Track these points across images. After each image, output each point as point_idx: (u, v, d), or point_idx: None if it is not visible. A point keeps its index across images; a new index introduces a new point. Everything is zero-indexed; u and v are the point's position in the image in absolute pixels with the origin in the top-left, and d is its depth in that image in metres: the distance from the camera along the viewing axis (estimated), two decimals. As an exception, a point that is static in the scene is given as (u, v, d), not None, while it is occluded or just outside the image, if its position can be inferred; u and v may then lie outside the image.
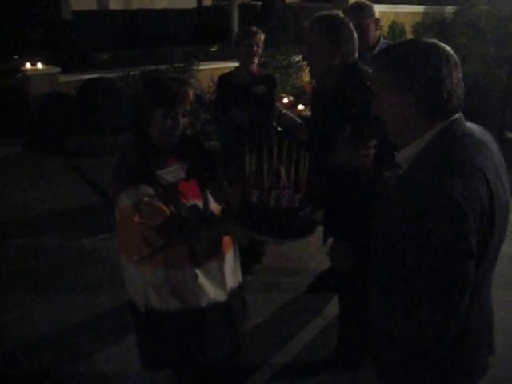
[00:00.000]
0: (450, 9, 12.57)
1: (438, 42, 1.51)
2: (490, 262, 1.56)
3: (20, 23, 9.87)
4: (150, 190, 1.99)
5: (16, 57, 8.80)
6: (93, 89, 7.26)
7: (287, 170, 1.93)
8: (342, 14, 2.45)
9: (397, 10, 11.55)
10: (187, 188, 2.10)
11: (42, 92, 7.31)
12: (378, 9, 10.95)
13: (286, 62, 9.28)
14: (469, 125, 1.54)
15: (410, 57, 1.48)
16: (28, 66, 7.48)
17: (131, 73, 7.96)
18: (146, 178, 2.00)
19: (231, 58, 8.02)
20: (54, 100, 7.25)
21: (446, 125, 1.49)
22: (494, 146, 1.57)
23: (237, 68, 4.00)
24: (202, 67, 8.49)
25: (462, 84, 1.50)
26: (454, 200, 1.38)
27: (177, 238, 2.01)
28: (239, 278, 2.39)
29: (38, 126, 7.18)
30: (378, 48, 3.33)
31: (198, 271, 2.13)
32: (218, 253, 2.19)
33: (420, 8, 12.15)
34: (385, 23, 11.21)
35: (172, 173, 2.09)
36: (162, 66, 7.95)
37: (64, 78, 7.62)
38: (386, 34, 11.29)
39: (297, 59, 9.10)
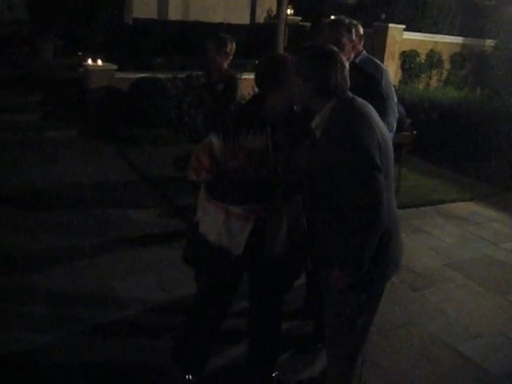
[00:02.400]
0: (489, 42, 12.98)
1: (332, 48, 2.29)
2: (389, 181, 2.27)
3: (87, 25, 10.91)
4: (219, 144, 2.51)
5: (80, 54, 9.77)
6: (144, 86, 8.16)
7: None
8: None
9: (435, 40, 12.03)
10: (248, 153, 2.52)
11: (99, 85, 8.23)
12: (417, 37, 11.63)
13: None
14: (356, 98, 2.29)
15: (311, 60, 2.26)
16: (89, 62, 8.42)
17: (179, 75, 8.81)
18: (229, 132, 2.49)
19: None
20: (109, 93, 8.17)
21: (337, 100, 2.26)
22: (372, 109, 2.33)
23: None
24: (244, 76, 9.25)
25: (347, 78, 2.27)
26: (356, 134, 2.14)
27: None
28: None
29: (93, 115, 8.11)
30: (357, 59, 3.59)
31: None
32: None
33: (459, 39, 12.56)
34: (422, 51, 11.79)
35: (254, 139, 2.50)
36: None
37: (119, 75, 8.53)
38: (423, 61, 11.88)
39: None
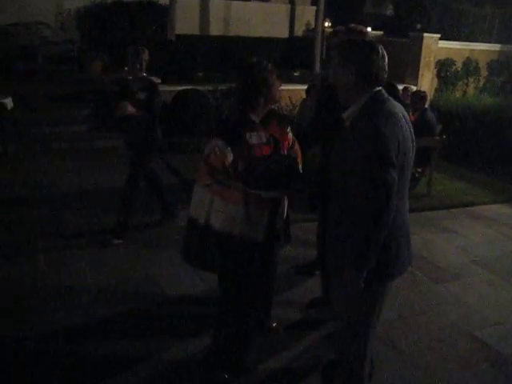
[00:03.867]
0: (527, 49, 12.97)
1: (373, 41, 2.53)
2: (404, 184, 2.47)
3: (133, 41, 11.53)
4: (224, 145, 2.77)
5: (126, 68, 10.33)
6: (185, 97, 8.65)
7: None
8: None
9: (471, 48, 12.13)
10: (260, 150, 2.86)
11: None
12: (453, 45, 11.76)
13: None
14: (390, 98, 2.51)
15: (352, 48, 2.48)
16: (135, 76, 8.95)
17: (219, 88, 9.27)
18: (234, 136, 2.78)
19: (310, 81, 9.12)
20: (153, 105, 8.67)
21: (373, 93, 2.46)
22: (403, 111, 2.53)
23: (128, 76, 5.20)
24: (282, 87, 9.63)
25: (386, 69, 2.47)
26: (379, 130, 2.32)
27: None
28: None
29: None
30: None
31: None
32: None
33: (495, 46, 12.61)
34: (458, 59, 11.91)
35: (257, 137, 2.86)
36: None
37: (163, 88, 8.99)
38: (459, 69, 11.99)
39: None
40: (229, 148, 2.77)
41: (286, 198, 3.10)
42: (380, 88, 2.48)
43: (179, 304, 3.98)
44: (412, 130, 2.54)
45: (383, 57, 2.47)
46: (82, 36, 12.32)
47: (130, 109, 4.78)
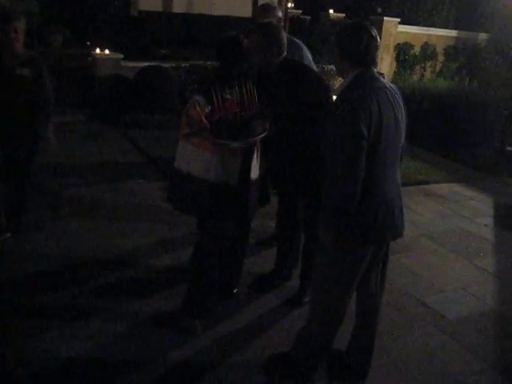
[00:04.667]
0: (483, 35, 13.39)
1: (364, 22, 2.70)
2: (385, 157, 2.62)
3: (95, 17, 11.41)
4: (202, 99, 3.08)
5: (88, 43, 10.26)
6: (148, 74, 8.65)
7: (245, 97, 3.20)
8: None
9: (429, 33, 12.47)
10: (230, 103, 3.19)
11: (106, 73, 8.75)
12: (412, 30, 12.06)
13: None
14: (378, 77, 2.69)
15: (345, 30, 2.68)
16: (97, 51, 8.92)
17: (182, 65, 9.31)
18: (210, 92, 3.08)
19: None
20: (116, 81, 8.69)
21: (360, 71, 2.64)
22: (397, 92, 2.72)
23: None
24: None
25: (377, 47, 2.65)
26: (351, 102, 2.52)
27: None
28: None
29: (100, 101, 8.61)
30: None
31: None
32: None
33: (453, 32, 12.99)
34: (417, 44, 12.23)
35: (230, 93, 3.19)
36: (209, 62, 9.25)
37: (125, 64, 9.04)
38: (417, 53, 12.32)
39: (330, 67, 10.21)
40: (206, 103, 3.09)
41: (257, 151, 3.35)
42: (370, 68, 2.66)
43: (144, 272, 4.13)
44: (402, 107, 2.73)
45: (370, 39, 2.62)
46: (42, 8, 12.06)
47: None
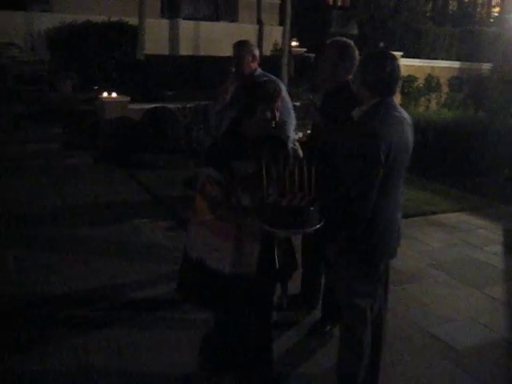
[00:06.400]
0: (486, 65, 13.51)
1: (388, 52, 2.76)
2: (394, 181, 2.72)
3: (102, 62, 11.73)
4: (218, 175, 2.64)
5: (96, 87, 10.49)
6: (154, 115, 8.81)
7: (298, 178, 2.57)
8: None
9: (432, 65, 12.65)
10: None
11: (113, 116, 8.91)
12: (414, 63, 12.21)
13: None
14: (397, 106, 2.75)
15: (369, 58, 2.74)
16: (105, 94, 9.13)
17: (188, 105, 9.46)
18: (222, 164, 2.63)
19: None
20: (123, 123, 8.82)
21: (380, 99, 2.69)
22: (409, 123, 2.77)
23: None
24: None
25: (398, 77, 2.69)
26: (373, 130, 2.58)
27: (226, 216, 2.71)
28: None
29: (108, 143, 8.74)
30: (255, 74, 4.43)
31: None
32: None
33: (456, 64, 13.15)
34: (420, 76, 12.37)
35: (244, 165, 2.69)
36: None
37: (132, 106, 9.23)
38: (421, 85, 12.44)
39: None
40: (220, 176, 2.67)
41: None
42: (389, 98, 2.71)
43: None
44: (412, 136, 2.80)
45: (393, 68, 2.66)
46: (52, 56, 12.41)
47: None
